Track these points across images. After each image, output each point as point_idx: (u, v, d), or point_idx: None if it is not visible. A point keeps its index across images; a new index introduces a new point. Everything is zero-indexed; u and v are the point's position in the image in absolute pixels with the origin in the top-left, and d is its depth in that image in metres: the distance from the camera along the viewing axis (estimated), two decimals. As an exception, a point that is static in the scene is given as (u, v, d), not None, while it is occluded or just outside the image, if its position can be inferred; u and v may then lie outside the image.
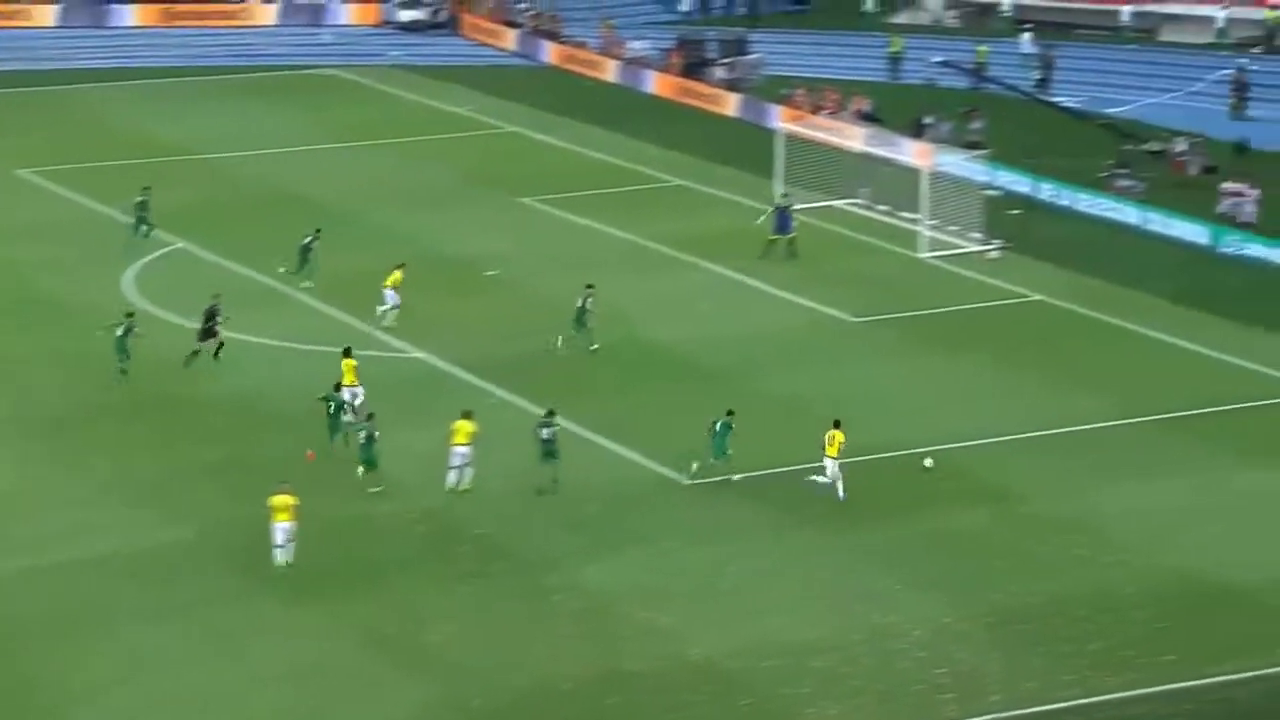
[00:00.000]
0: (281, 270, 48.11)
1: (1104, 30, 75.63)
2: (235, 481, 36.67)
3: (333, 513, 35.27)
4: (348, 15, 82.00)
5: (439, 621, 31.87)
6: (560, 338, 42.79)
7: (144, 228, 50.81)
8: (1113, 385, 41.70)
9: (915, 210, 52.12)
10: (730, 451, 36.17)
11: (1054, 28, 75.00)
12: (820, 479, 35.85)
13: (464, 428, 36.18)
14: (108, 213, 54.06)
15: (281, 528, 33.52)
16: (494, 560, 34.03)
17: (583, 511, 35.81)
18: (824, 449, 36.02)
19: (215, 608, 32.21)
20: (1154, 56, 72.36)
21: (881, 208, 54.42)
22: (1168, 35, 75.20)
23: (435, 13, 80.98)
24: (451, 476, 36.15)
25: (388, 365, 42.98)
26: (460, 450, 36.05)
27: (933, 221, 51.69)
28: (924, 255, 50.91)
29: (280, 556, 33.50)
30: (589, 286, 43.29)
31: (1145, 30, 75.40)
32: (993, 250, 51.06)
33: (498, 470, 37.04)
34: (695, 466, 36.43)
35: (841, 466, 35.84)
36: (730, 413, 36.53)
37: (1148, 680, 30.08)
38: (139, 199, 51.06)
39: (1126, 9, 74.36)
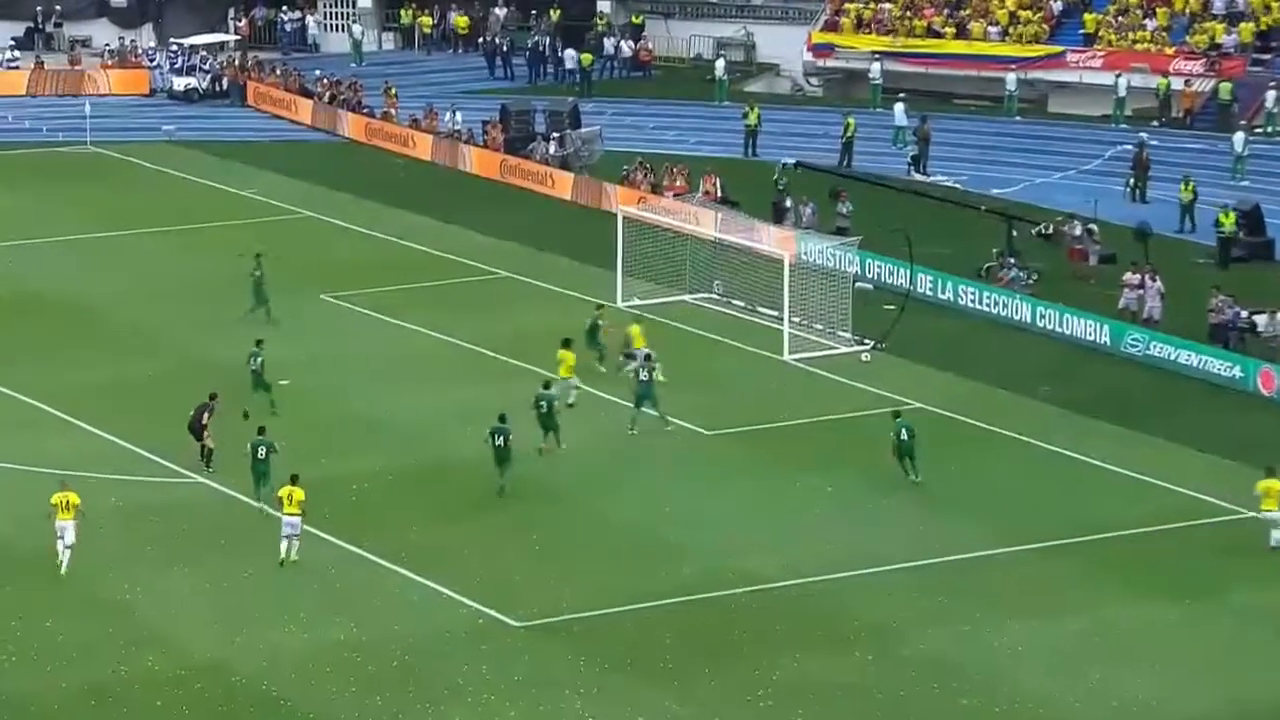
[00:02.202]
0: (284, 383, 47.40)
1: (986, 100, 77.37)
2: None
3: (81, 677, 34.49)
4: (111, 84, 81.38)
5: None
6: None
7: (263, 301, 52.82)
8: (999, 506, 42.24)
9: (776, 306, 52.74)
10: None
11: (930, 97, 76.57)
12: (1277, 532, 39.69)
13: (295, 494, 38.73)
14: None
15: (62, 526, 37.61)
16: (281, 725, 33.60)
17: (389, 662, 35.50)
18: (1261, 500, 39.74)
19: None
20: (1044, 130, 74.10)
21: (737, 303, 55.00)
22: (1057, 106, 77.07)
23: (215, 80, 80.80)
24: (281, 546, 38.70)
25: (159, 490, 42.40)
26: (290, 520, 38.50)
27: (796, 319, 52.30)
28: (786, 357, 51.47)
29: (65, 566, 37.80)
30: (599, 306, 49.84)
31: (1032, 100, 77.21)
32: (864, 351, 51.78)
33: (288, 615, 36.69)
34: (918, 478, 42.69)
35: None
36: (897, 414, 43.66)
37: None
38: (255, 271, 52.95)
39: (1011, 76, 76.10)
